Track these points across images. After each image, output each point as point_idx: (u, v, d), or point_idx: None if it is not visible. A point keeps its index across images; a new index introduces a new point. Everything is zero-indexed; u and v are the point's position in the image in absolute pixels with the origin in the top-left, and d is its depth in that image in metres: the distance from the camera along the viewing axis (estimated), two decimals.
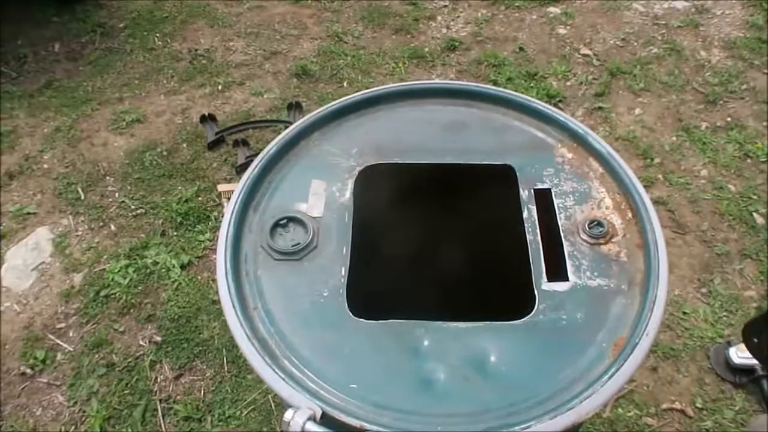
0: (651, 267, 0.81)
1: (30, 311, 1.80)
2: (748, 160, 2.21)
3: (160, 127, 2.38)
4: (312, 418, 0.66)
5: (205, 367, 1.67)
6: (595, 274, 0.83)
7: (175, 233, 1.99)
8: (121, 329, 1.75)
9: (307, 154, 1.00)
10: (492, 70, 2.60)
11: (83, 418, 1.57)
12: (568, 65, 2.63)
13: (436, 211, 1.15)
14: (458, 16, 2.97)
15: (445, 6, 3.04)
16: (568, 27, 2.87)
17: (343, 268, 0.84)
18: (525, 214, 0.90)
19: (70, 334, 1.75)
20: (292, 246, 0.86)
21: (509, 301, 0.86)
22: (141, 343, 1.72)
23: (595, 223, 0.88)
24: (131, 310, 1.79)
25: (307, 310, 0.80)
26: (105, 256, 1.92)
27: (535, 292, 0.81)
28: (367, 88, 1.14)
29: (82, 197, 2.11)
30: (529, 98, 1.05)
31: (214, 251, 1.93)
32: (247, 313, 0.79)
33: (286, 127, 1.04)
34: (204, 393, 1.61)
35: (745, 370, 1.58)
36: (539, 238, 0.87)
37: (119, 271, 1.86)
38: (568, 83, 2.55)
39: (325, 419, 0.67)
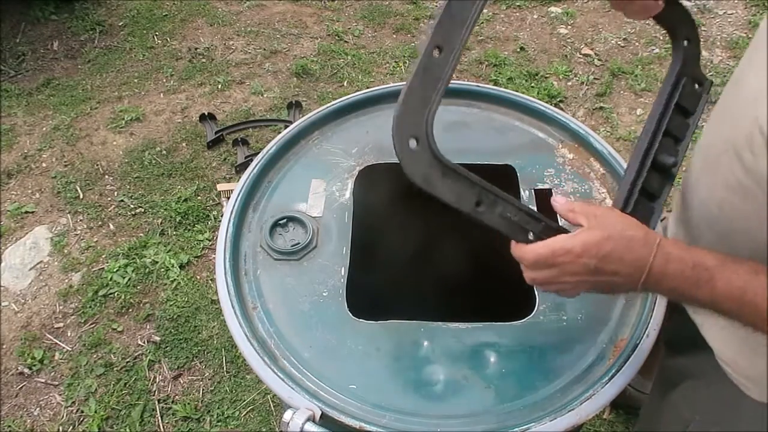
0: None
1: (28, 311, 1.80)
2: None
3: (160, 126, 2.38)
4: (311, 419, 0.66)
5: (203, 367, 1.66)
6: None
7: (174, 232, 1.98)
8: (120, 329, 1.74)
9: (307, 154, 1.00)
10: (493, 69, 2.60)
11: (81, 419, 1.56)
12: (569, 65, 2.62)
13: (436, 212, 1.15)
14: None
15: None
16: (569, 27, 2.86)
17: (342, 268, 0.84)
18: None
19: (69, 334, 1.74)
20: (292, 246, 0.86)
21: (509, 302, 0.86)
22: (139, 342, 1.71)
23: None
24: (130, 310, 1.79)
25: (307, 310, 0.80)
26: (104, 256, 1.91)
27: (536, 293, 0.81)
28: (367, 88, 1.13)
29: (81, 196, 2.10)
30: (529, 98, 1.05)
31: (213, 251, 1.93)
32: (247, 313, 0.79)
33: (286, 127, 1.04)
34: (203, 393, 1.61)
35: None
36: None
37: (118, 270, 1.86)
38: (569, 83, 2.55)
39: (324, 420, 0.67)
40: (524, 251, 0.64)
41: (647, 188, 0.71)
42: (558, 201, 0.68)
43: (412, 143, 0.58)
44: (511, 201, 0.65)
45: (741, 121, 0.61)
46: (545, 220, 0.66)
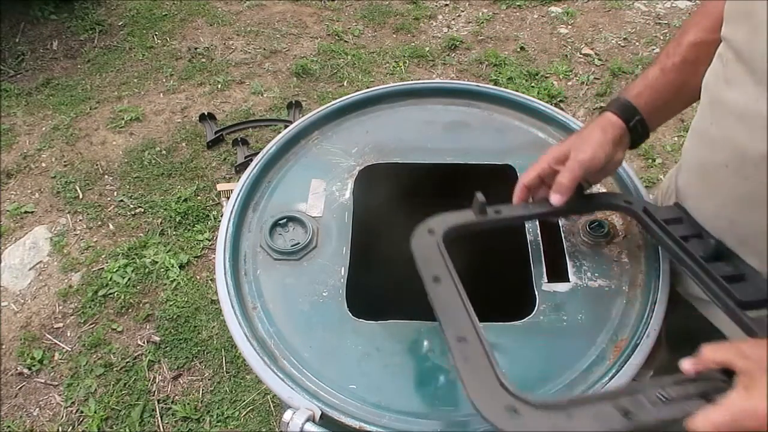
0: (652, 268, 0.80)
1: (27, 311, 1.79)
2: None
3: (159, 125, 2.38)
4: (311, 419, 0.65)
5: (203, 367, 1.66)
6: (596, 274, 0.82)
7: (174, 232, 1.98)
8: (120, 329, 1.74)
9: (306, 154, 0.99)
10: (493, 69, 2.60)
11: (81, 419, 1.56)
12: (569, 65, 2.62)
13: (436, 212, 1.15)
14: (459, 15, 2.97)
15: (446, 5, 3.04)
16: (569, 26, 2.86)
17: (342, 268, 0.84)
18: None
19: (68, 334, 1.74)
20: (292, 246, 0.85)
21: (509, 302, 0.86)
22: (139, 343, 1.71)
23: (596, 223, 0.87)
24: (129, 310, 1.79)
25: (307, 311, 0.80)
26: (103, 256, 1.91)
27: (536, 293, 0.81)
28: (367, 88, 1.13)
29: (81, 196, 2.10)
30: (530, 98, 1.04)
31: (213, 251, 1.92)
32: (246, 313, 0.78)
33: (286, 127, 1.03)
34: (202, 393, 1.61)
35: None
36: (540, 238, 0.86)
37: (117, 270, 1.86)
38: (570, 83, 2.55)
39: (324, 420, 0.67)
40: (696, 425, 0.52)
41: (728, 275, 0.65)
42: (686, 366, 0.57)
43: (515, 414, 0.56)
44: (652, 384, 0.56)
45: (732, 140, 0.62)
46: (710, 376, 0.55)
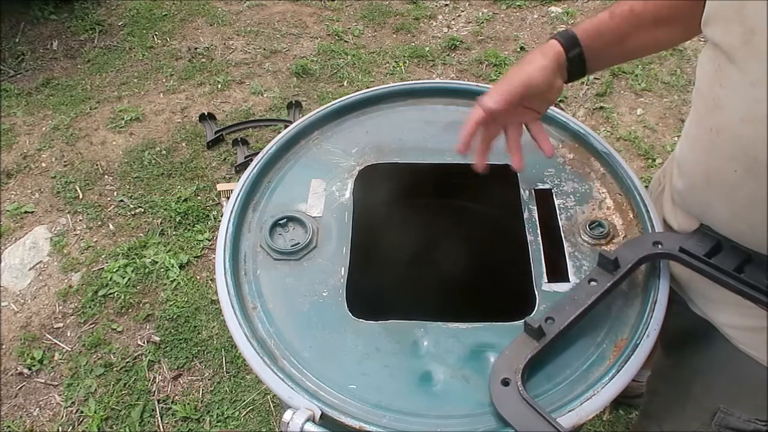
0: (652, 267, 0.80)
1: (27, 311, 1.79)
2: None
3: (159, 125, 2.38)
4: (311, 419, 0.65)
5: (203, 367, 1.66)
6: None
7: (173, 233, 1.98)
8: (120, 329, 1.74)
9: (306, 154, 1.00)
10: (493, 69, 2.60)
11: (81, 419, 1.56)
12: None
13: (436, 211, 1.15)
14: (459, 15, 2.97)
15: (446, 5, 3.04)
16: (569, 26, 2.86)
17: (342, 268, 0.84)
18: (525, 215, 0.89)
19: (68, 334, 1.74)
20: (292, 246, 0.85)
21: (509, 302, 0.86)
22: (139, 343, 1.71)
23: (596, 223, 0.87)
24: (129, 310, 1.79)
25: (307, 311, 0.80)
26: (103, 256, 1.91)
27: (536, 293, 0.81)
28: (367, 88, 1.13)
29: (81, 196, 2.10)
30: None
31: (212, 251, 1.92)
32: (246, 313, 0.78)
33: (286, 127, 1.04)
34: (202, 393, 1.61)
35: None
36: (540, 238, 0.86)
37: (117, 270, 1.86)
38: (569, 83, 2.55)
39: (324, 420, 0.67)
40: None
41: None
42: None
43: (503, 383, 0.67)
44: None
45: (741, 145, 0.61)
46: None
